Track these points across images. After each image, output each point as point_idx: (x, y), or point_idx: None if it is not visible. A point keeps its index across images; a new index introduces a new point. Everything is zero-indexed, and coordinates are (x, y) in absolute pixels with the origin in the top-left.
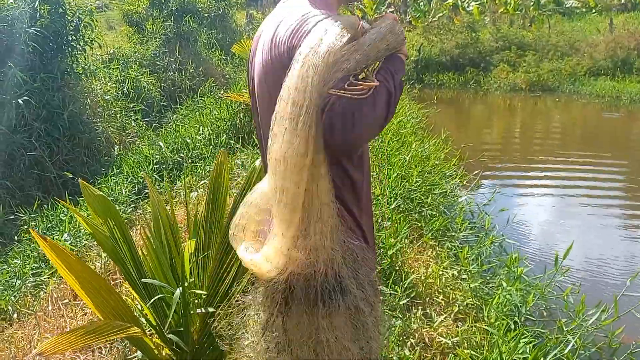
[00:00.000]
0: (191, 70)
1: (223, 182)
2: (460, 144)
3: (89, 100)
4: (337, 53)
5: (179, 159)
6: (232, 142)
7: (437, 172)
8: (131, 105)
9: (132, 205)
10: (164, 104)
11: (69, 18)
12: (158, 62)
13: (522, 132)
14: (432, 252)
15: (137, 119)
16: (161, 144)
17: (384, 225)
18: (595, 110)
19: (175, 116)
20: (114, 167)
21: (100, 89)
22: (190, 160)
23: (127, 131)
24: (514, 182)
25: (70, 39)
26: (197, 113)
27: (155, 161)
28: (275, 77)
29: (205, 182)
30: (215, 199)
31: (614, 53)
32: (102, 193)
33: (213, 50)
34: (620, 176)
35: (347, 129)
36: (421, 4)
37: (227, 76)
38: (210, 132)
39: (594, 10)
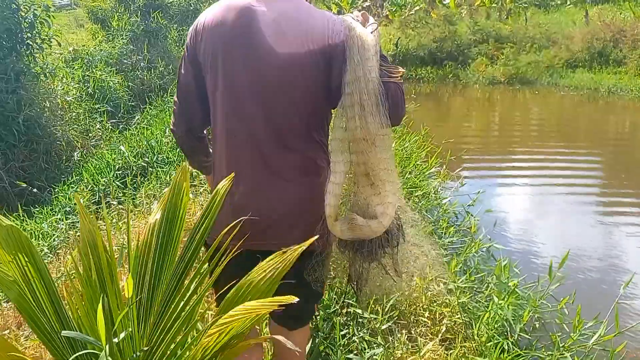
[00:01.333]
0: (161, 69)
1: (181, 206)
2: (441, 140)
3: (48, 103)
4: (375, 48)
5: (143, 164)
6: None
7: (419, 173)
8: (96, 106)
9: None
10: (132, 104)
11: (23, 14)
12: (125, 61)
13: (502, 126)
14: (416, 262)
15: (102, 120)
16: (123, 148)
17: None
18: (574, 102)
19: (142, 117)
20: (73, 174)
21: (62, 89)
22: (155, 165)
23: (91, 134)
24: (497, 180)
25: (25, 36)
26: (166, 113)
27: (118, 167)
28: (303, 68)
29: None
30: (170, 227)
31: (590, 45)
32: (12, 223)
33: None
34: (597, 169)
35: (402, 105)
36: None
37: None
38: None
39: (569, 2)
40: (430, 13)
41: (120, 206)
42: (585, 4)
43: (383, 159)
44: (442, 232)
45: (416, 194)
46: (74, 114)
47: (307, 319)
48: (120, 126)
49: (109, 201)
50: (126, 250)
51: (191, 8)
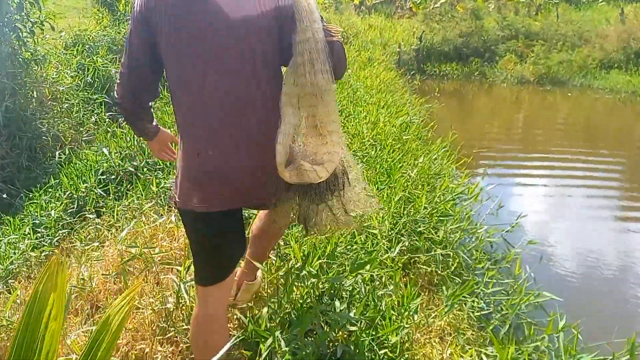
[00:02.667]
0: None
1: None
2: (470, 148)
3: (36, 92)
4: (318, 10)
5: (131, 168)
6: None
7: (449, 193)
8: (94, 96)
9: (64, 230)
10: None
11: None
12: None
13: (537, 130)
14: (446, 319)
15: (100, 112)
16: (105, 150)
17: (384, 293)
18: (609, 105)
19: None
20: (53, 177)
21: (55, 77)
22: (145, 170)
23: (84, 127)
24: (535, 195)
25: (12, 19)
26: (170, 106)
27: (102, 170)
28: (259, 32)
29: (156, 203)
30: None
31: (627, 45)
32: None
33: None
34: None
35: (344, 61)
36: None
37: None
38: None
39: (601, 0)
40: (456, 6)
41: (97, 220)
42: (619, 2)
43: (330, 112)
44: (480, 273)
45: (449, 226)
46: (66, 105)
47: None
48: (120, 119)
49: (84, 214)
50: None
51: None
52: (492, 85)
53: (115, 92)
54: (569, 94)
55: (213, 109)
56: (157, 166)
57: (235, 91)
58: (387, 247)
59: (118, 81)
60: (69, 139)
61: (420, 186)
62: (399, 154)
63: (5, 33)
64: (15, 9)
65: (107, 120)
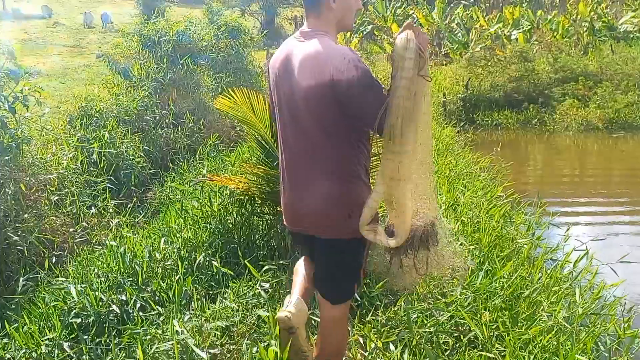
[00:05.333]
0: (190, 124)
1: None
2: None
3: (10, 187)
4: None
5: (116, 307)
6: (218, 265)
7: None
8: (98, 179)
9: None
10: (151, 171)
11: None
12: (147, 117)
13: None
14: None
15: (104, 198)
16: (73, 290)
17: None
18: None
19: (158, 193)
20: (15, 313)
21: (43, 163)
22: (133, 315)
23: (80, 224)
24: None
25: None
26: (189, 185)
27: (76, 312)
28: (316, 96)
29: None
30: None
31: None
32: None
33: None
34: None
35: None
36: (458, 34)
37: (239, 128)
38: (182, 245)
39: None
40: (495, 50)
41: None
42: None
43: (408, 190)
44: None
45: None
46: (56, 197)
47: (343, 296)
48: (130, 206)
49: None
50: None
51: (232, 52)
52: (554, 134)
53: None
54: None
55: (291, 154)
56: (155, 301)
57: (304, 141)
58: None
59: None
60: (59, 240)
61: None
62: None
63: None
64: None
65: (112, 210)
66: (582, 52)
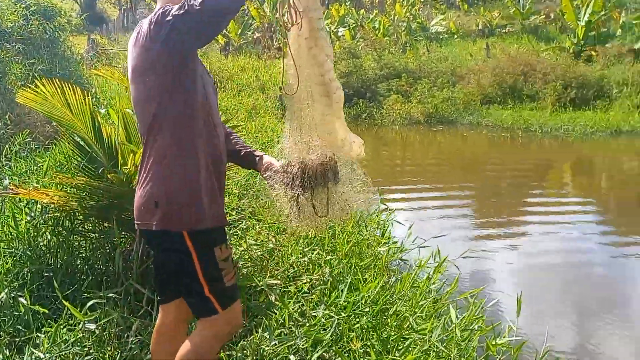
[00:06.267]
0: None
1: None
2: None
3: None
4: None
5: None
6: (27, 303)
7: None
8: None
9: None
10: None
11: None
12: None
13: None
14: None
15: None
16: None
17: None
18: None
19: None
20: None
21: None
22: None
23: None
24: None
25: None
26: None
27: None
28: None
29: None
30: None
31: (502, 79)
32: None
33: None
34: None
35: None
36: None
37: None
38: None
39: (456, 36)
40: None
41: None
42: (476, 38)
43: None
44: None
45: None
46: None
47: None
48: None
49: None
50: None
51: (46, 36)
52: (382, 127)
53: None
54: (465, 135)
55: None
56: None
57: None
58: None
59: None
60: None
61: None
62: None
63: None
64: None
65: None
66: (401, 50)
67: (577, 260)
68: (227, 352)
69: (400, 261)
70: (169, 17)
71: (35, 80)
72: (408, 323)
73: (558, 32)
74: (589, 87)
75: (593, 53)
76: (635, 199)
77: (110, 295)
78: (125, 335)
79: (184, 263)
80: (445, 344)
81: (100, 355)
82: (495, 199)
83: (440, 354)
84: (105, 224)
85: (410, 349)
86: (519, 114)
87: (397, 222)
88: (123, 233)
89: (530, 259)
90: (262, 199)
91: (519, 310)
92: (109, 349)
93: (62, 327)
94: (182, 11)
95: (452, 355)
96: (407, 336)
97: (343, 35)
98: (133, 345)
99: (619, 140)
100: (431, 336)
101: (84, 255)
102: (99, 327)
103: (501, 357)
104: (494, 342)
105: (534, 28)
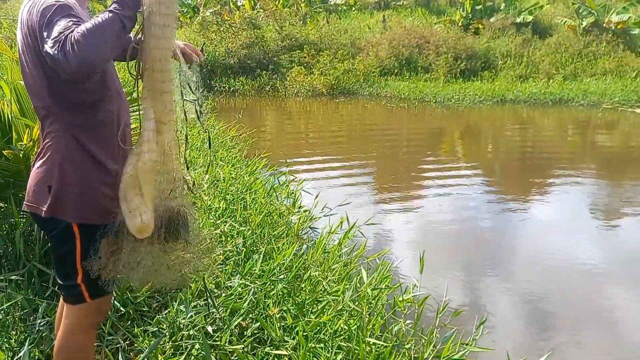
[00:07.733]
0: None
1: None
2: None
3: None
4: None
5: None
6: None
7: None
8: None
9: None
10: None
11: None
12: None
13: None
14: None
15: None
16: None
17: None
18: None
19: None
20: None
21: None
22: None
23: None
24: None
25: None
26: None
27: None
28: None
29: None
30: None
31: (398, 52)
32: None
33: None
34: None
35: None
36: None
37: None
38: None
39: (354, 9)
40: (223, 16)
41: None
42: (373, 11)
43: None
44: None
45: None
46: None
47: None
48: None
49: None
50: None
51: None
52: (286, 99)
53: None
54: (366, 105)
55: None
56: None
57: None
58: None
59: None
60: None
61: None
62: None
63: None
64: None
65: None
66: (301, 21)
67: (468, 216)
68: (143, 328)
69: (309, 229)
70: (45, 49)
71: None
72: (322, 286)
73: (448, 6)
74: (476, 58)
75: (480, 26)
76: (517, 161)
77: (13, 277)
78: (32, 317)
79: (67, 250)
80: (357, 304)
81: (5, 339)
82: (394, 166)
83: (353, 313)
84: (2, 204)
85: (324, 310)
86: (415, 84)
87: (306, 191)
88: (22, 213)
89: (427, 219)
90: None
91: (422, 268)
92: (14, 332)
93: None
94: (52, 52)
95: (363, 313)
96: (321, 299)
97: (243, 5)
98: (41, 327)
99: (504, 108)
100: (344, 297)
101: None
102: (2, 312)
103: (407, 311)
104: (400, 299)
105: (426, 1)
